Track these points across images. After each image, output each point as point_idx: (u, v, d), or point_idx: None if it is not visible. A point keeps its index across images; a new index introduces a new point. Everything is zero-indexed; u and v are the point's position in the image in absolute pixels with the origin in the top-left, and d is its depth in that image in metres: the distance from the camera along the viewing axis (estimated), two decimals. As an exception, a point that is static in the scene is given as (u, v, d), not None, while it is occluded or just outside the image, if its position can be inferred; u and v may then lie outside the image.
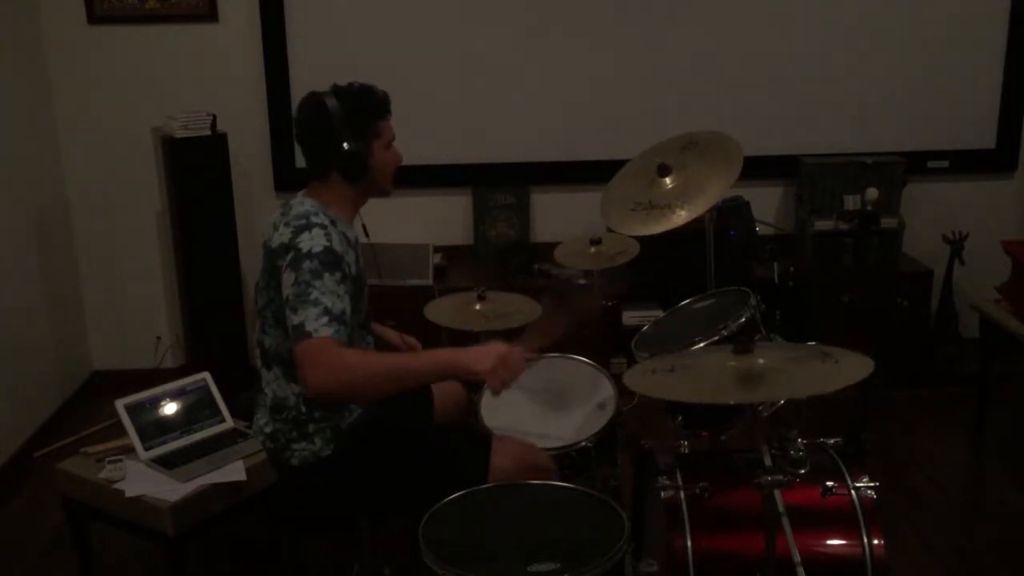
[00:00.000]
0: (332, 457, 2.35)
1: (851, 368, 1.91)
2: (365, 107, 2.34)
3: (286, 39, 4.21)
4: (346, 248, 2.29)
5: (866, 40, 4.33)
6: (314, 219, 2.26)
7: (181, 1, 4.16)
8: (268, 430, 2.38)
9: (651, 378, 2.04)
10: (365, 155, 2.33)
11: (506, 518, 2.09)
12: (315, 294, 2.15)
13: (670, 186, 2.84)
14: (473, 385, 2.89)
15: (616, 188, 3.00)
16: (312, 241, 2.21)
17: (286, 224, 2.27)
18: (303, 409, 2.33)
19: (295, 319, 2.14)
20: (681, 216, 2.73)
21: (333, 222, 2.30)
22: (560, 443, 2.63)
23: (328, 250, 2.20)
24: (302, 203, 2.33)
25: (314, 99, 2.33)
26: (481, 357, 2.23)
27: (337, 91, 2.34)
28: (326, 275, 2.18)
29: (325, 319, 2.13)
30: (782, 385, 1.94)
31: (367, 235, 2.49)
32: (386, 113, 2.38)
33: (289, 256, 2.20)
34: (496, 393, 2.27)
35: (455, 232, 4.44)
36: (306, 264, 2.18)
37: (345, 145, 2.30)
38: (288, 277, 2.19)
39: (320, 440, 2.34)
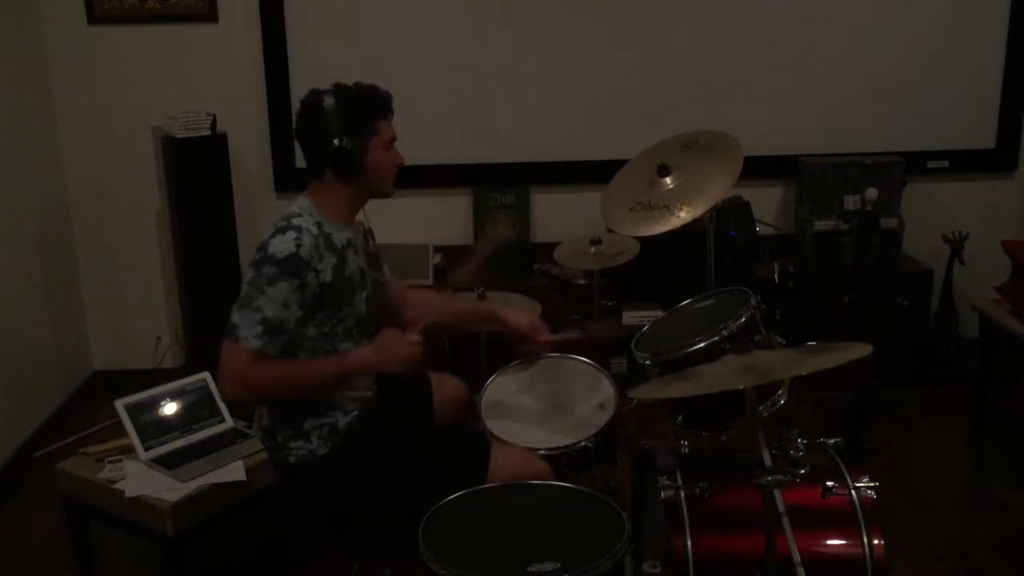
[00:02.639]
0: (329, 456, 2.36)
1: (850, 349, 1.91)
2: (362, 106, 2.34)
3: (286, 39, 4.21)
4: (321, 254, 2.28)
5: (866, 40, 4.33)
6: (295, 220, 2.27)
7: (181, 1, 4.16)
8: (265, 424, 2.40)
9: (664, 388, 2.04)
10: (358, 154, 2.32)
11: (506, 518, 2.09)
12: (262, 300, 2.20)
13: (670, 186, 2.84)
14: (472, 386, 2.90)
15: (616, 188, 3.01)
16: (280, 245, 2.23)
17: (274, 223, 2.30)
18: (298, 401, 2.34)
19: (235, 317, 2.21)
20: (681, 216, 2.74)
21: (320, 224, 2.30)
22: (560, 443, 2.63)
23: (291, 257, 2.21)
24: (296, 202, 2.35)
25: (313, 97, 2.34)
26: (376, 356, 2.34)
27: (337, 89, 2.34)
28: (282, 283, 2.20)
29: (259, 329, 2.19)
30: (782, 367, 1.94)
31: (373, 239, 2.50)
32: (386, 113, 2.38)
33: (257, 255, 2.25)
34: (406, 373, 2.36)
35: (455, 232, 4.44)
36: (266, 268, 2.21)
37: (336, 143, 2.30)
38: (247, 274, 2.24)
39: (317, 439, 2.35)
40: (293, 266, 2.21)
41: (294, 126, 2.40)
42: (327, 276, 2.29)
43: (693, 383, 2.01)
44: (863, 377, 3.18)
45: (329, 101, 2.31)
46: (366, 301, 2.46)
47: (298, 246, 2.22)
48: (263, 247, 2.25)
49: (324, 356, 2.36)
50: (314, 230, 2.28)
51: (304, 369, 2.33)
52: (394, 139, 2.40)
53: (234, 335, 2.20)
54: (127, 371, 4.38)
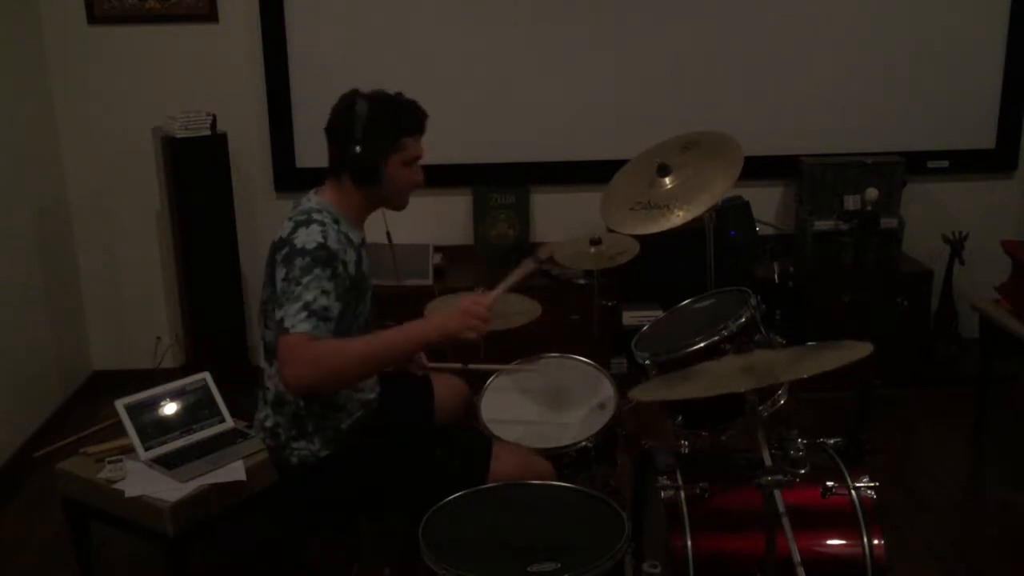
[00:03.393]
0: (331, 457, 2.36)
1: (851, 350, 1.91)
2: (393, 118, 2.34)
3: (286, 39, 4.21)
4: (344, 247, 2.29)
5: (866, 40, 4.33)
6: (315, 215, 2.27)
7: (181, 1, 4.16)
8: (268, 424, 2.39)
9: (664, 390, 2.04)
10: (377, 164, 2.33)
11: (506, 518, 2.09)
12: (299, 290, 2.16)
13: (670, 186, 2.85)
14: (475, 385, 2.90)
15: (616, 188, 3.01)
16: (307, 237, 2.22)
17: (289, 219, 2.29)
18: (301, 404, 2.34)
19: (278, 314, 2.16)
20: (680, 216, 2.74)
21: (336, 221, 2.30)
22: (560, 443, 2.63)
23: (322, 246, 2.21)
24: (309, 200, 2.35)
25: (349, 98, 2.34)
26: (448, 318, 2.27)
27: (373, 95, 2.34)
28: (316, 270, 2.18)
29: (304, 314, 2.13)
30: (783, 370, 1.94)
31: (390, 240, 2.50)
32: (415, 131, 2.38)
33: (284, 251, 2.22)
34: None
35: (455, 232, 4.44)
36: (298, 260, 2.19)
37: (357, 149, 2.30)
38: (280, 272, 2.21)
39: (320, 440, 2.35)
40: (325, 254, 2.20)
41: (327, 120, 2.38)
42: (352, 269, 2.30)
43: (693, 384, 2.01)
44: (863, 377, 3.19)
45: (362, 106, 2.30)
46: (372, 302, 2.47)
47: (325, 237, 2.22)
48: (287, 243, 2.22)
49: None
50: (335, 226, 2.28)
51: (372, 342, 2.24)
52: (418, 158, 2.40)
53: (282, 329, 2.14)
54: (127, 371, 4.38)
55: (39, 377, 4.00)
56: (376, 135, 2.31)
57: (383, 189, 2.37)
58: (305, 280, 2.16)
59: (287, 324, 2.13)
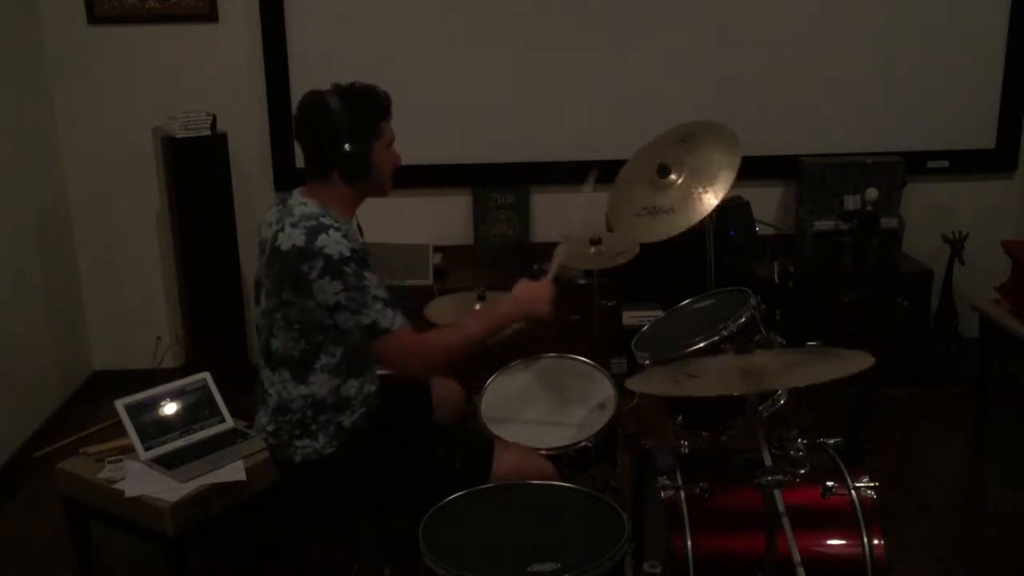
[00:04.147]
0: (335, 454, 2.36)
1: (851, 360, 1.91)
2: (367, 107, 2.34)
3: (286, 39, 4.21)
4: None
5: (866, 40, 4.33)
6: (324, 220, 2.27)
7: (181, 1, 4.16)
8: (271, 428, 2.39)
9: (672, 386, 2.04)
10: (366, 156, 2.33)
11: (506, 518, 2.09)
12: (368, 293, 2.22)
13: (676, 183, 2.84)
14: (472, 386, 2.90)
15: (620, 196, 3.00)
16: (337, 244, 2.22)
17: (293, 225, 2.26)
18: (309, 413, 2.34)
19: (363, 319, 2.22)
20: (709, 201, 2.74)
21: (337, 222, 2.30)
22: (560, 443, 2.63)
23: (355, 250, 2.25)
24: (304, 204, 2.32)
25: (316, 98, 2.32)
26: (535, 303, 2.46)
27: (339, 91, 2.33)
28: (367, 273, 2.24)
29: (390, 310, 2.25)
30: (781, 375, 1.94)
31: (362, 235, 2.50)
32: (387, 114, 2.38)
33: (319, 263, 2.21)
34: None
35: (455, 232, 4.44)
36: (346, 268, 2.21)
37: (347, 146, 2.30)
38: (332, 285, 2.20)
39: (323, 437, 2.35)
40: (361, 255, 2.25)
41: (295, 128, 2.38)
42: None
43: (693, 383, 2.01)
44: (863, 377, 3.18)
45: (335, 103, 2.29)
46: None
47: (348, 240, 2.26)
48: (316, 254, 2.20)
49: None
50: (340, 226, 2.29)
51: (470, 330, 2.40)
52: (393, 139, 2.41)
53: (381, 331, 2.24)
54: (127, 371, 4.38)
55: (39, 377, 4.00)
56: (358, 127, 2.31)
57: (372, 179, 2.37)
58: (364, 283, 2.22)
59: (385, 324, 2.23)
